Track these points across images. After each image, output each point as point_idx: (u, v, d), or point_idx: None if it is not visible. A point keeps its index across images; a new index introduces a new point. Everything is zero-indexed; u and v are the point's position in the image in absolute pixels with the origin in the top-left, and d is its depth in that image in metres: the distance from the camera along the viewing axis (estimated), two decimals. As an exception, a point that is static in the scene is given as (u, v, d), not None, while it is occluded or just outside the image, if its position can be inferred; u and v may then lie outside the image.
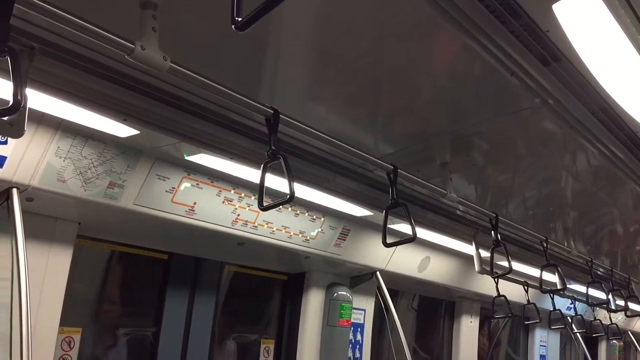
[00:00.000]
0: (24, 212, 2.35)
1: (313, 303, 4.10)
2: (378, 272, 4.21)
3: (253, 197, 3.10)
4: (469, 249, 4.07)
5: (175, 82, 2.07)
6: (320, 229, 3.56)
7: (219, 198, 2.98)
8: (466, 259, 4.41)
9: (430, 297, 5.67)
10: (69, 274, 2.75)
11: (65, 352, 2.99)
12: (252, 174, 2.78)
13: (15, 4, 1.30)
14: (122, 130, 2.34)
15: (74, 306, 2.95)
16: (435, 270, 4.61)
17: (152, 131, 2.36)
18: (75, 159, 2.42)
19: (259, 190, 1.90)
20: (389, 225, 2.54)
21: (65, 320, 2.79)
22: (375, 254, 4.04)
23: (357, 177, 3.12)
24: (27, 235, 2.34)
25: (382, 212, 2.53)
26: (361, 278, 4.30)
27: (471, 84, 2.27)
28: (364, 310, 4.43)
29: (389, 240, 2.52)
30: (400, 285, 4.93)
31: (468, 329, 5.78)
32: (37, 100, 2.02)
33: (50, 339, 2.66)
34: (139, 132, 2.35)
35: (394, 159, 2.65)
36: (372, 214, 3.48)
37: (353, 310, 4.22)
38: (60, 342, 2.94)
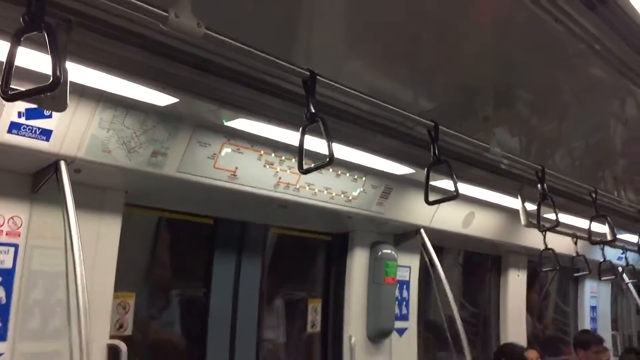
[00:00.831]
0: (72, 183, 2.42)
1: (358, 262, 4.13)
2: (422, 230, 4.20)
3: (294, 160, 3.11)
4: (514, 202, 4.01)
5: (211, 48, 2.06)
6: (362, 189, 3.56)
7: (260, 162, 3.00)
8: (512, 213, 4.34)
9: (476, 252, 5.63)
10: (120, 241, 2.83)
11: (120, 316, 3.11)
12: (291, 137, 2.78)
13: (49, -21, 1.32)
14: (161, 99, 2.36)
15: (127, 272, 3.04)
16: (480, 225, 4.57)
17: (191, 98, 2.38)
18: (118, 129, 2.46)
19: (299, 153, 1.91)
20: (431, 182, 2.53)
21: (119, 285, 2.89)
22: (418, 211, 4.02)
23: (397, 135, 3.08)
24: (78, 205, 2.42)
25: (424, 170, 2.51)
26: (405, 236, 4.30)
27: (513, 32, 2.21)
28: (409, 267, 4.44)
29: (431, 198, 2.51)
30: (445, 241, 4.91)
31: (515, 283, 5.74)
32: (78, 73, 2.04)
33: (106, 304, 2.76)
34: (177, 100, 2.37)
35: (435, 115, 2.61)
36: (414, 171, 3.45)
37: (398, 267, 4.23)
38: (116, 306, 3.06)
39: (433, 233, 4.25)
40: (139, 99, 2.36)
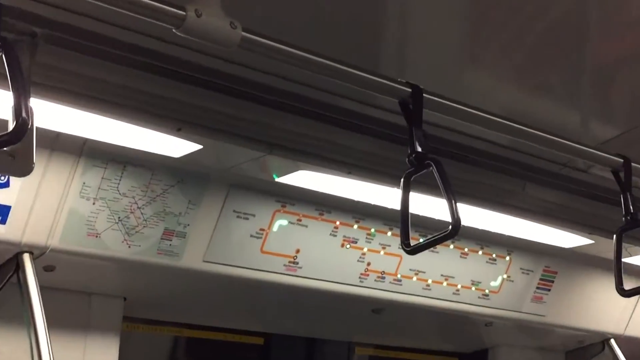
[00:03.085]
0: (42, 287, 2.48)
1: (506, 400, 4.06)
2: (613, 341, 4.10)
3: (390, 233, 3.14)
4: None
5: (250, 62, 2.11)
6: (505, 276, 3.53)
7: (336, 239, 3.04)
8: None
9: None
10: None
11: None
12: (384, 195, 2.78)
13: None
14: (175, 146, 2.42)
15: None
16: None
17: (222, 143, 2.43)
18: (110, 198, 2.54)
19: (402, 220, 1.91)
20: (624, 259, 2.46)
21: None
22: (604, 309, 3.95)
23: (560, 182, 3.04)
24: (51, 322, 2.45)
25: (611, 239, 2.46)
26: (585, 352, 4.21)
27: None
28: (597, 406, 4.30)
29: (627, 285, 2.44)
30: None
31: None
32: (46, 113, 2.10)
33: None
34: (201, 146, 2.43)
35: (620, 146, 2.58)
36: (592, 242, 3.39)
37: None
38: None
39: (632, 346, 4.13)
40: (142, 149, 2.43)
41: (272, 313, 3.48)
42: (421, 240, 1.94)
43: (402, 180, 1.92)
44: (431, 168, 1.86)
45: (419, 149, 1.89)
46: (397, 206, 1.95)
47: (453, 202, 1.83)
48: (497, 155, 2.80)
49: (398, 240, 1.94)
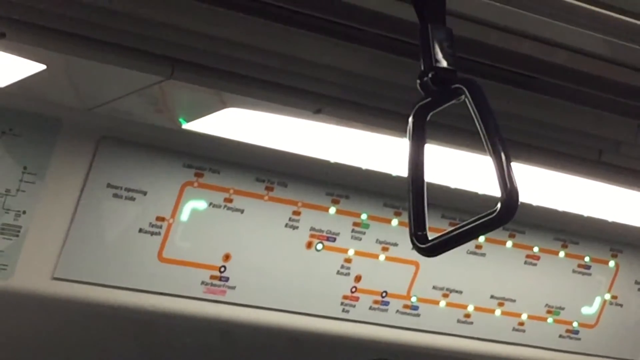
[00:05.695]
0: None
1: None
2: None
3: (396, 222, 3.18)
4: None
5: None
6: (609, 296, 3.58)
7: (296, 234, 3.06)
8: None
9: None
10: None
11: None
12: (382, 153, 2.77)
13: None
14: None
15: None
16: None
17: (81, 59, 2.42)
18: None
19: (412, 195, 1.89)
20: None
21: None
22: None
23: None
24: None
25: None
26: None
27: None
28: None
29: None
30: None
31: None
32: None
33: None
34: (44, 66, 2.42)
35: None
36: None
37: None
38: None
39: None
40: None
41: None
42: (450, 231, 1.89)
43: (410, 120, 1.90)
44: (463, 97, 1.84)
45: (442, 63, 1.88)
46: (404, 171, 1.95)
47: (504, 159, 1.79)
48: (592, 76, 2.80)
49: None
